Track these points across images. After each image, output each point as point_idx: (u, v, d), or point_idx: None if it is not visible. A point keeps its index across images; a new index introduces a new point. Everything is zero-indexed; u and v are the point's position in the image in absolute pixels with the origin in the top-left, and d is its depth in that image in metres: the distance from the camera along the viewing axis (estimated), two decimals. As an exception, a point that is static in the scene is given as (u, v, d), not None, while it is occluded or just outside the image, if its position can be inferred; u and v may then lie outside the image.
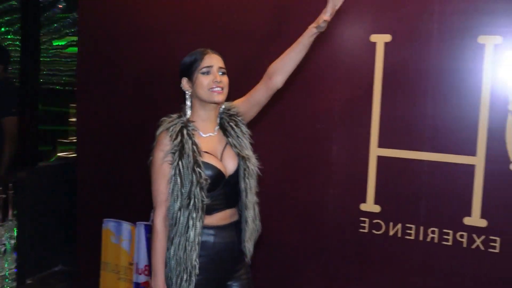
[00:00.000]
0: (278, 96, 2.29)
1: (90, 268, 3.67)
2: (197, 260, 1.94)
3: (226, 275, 2.10)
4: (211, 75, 2.01)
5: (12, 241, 3.74)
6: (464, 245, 2.71)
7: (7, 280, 3.68)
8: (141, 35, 3.51)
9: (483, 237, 2.66)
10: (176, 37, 3.37)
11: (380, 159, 2.85)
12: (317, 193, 3.03)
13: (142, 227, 3.42)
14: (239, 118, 2.15)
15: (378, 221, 2.88)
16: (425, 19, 2.74)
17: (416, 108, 2.77)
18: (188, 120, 2.05)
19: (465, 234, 2.70)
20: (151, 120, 3.47)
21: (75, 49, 6.41)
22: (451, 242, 2.74)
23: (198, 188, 1.93)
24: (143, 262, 3.41)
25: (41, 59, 5.30)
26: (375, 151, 2.86)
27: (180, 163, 1.94)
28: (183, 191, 1.94)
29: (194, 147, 1.96)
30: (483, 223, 2.66)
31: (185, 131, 1.98)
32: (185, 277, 1.93)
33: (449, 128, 2.72)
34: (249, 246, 2.14)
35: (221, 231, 2.04)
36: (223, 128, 2.13)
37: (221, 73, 2.03)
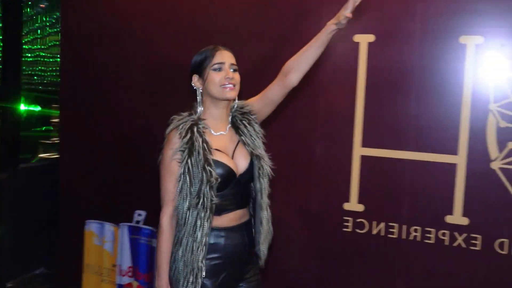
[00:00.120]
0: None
1: (73, 270, 3.63)
2: (203, 261, 1.88)
3: (235, 277, 2.02)
4: (223, 72, 1.96)
5: (-7, 244, 3.68)
6: (446, 243, 2.74)
7: (-13, 283, 3.62)
8: (126, 35, 3.48)
9: (464, 235, 2.70)
10: (162, 37, 3.36)
11: (364, 158, 2.88)
12: (301, 193, 3.04)
13: (125, 228, 3.39)
14: (252, 117, 2.08)
15: (362, 220, 2.90)
16: (408, 19, 2.77)
17: (398, 107, 2.80)
18: (199, 118, 1.99)
19: (447, 232, 2.74)
20: (135, 120, 3.53)
21: (57, 49, 6.31)
22: (434, 241, 2.77)
23: (207, 187, 1.87)
24: (126, 263, 3.38)
25: (23, 59, 5.23)
26: (358, 151, 2.89)
27: (189, 161, 1.89)
28: (192, 190, 1.89)
29: (205, 145, 1.91)
30: (465, 221, 2.70)
31: (195, 129, 1.93)
32: (191, 279, 1.87)
33: (431, 127, 2.75)
34: (263, 249, 2.08)
35: (231, 233, 1.98)
36: (235, 127, 2.06)
37: (232, 70, 1.98)
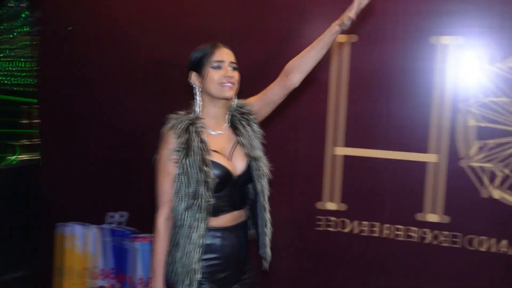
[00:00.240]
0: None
1: (51, 273, 3.57)
2: (199, 263, 1.85)
3: (234, 278, 1.99)
4: (222, 70, 1.90)
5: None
6: (418, 240, 2.81)
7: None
8: (107, 33, 3.45)
9: (437, 232, 2.78)
10: (141, 36, 3.34)
11: (339, 158, 2.93)
12: (280, 193, 3.07)
13: (101, 230, 3.36)
14: (252, 117, 2.03)
15: (340, 219, 2.96)
16: (381, 20, 2.81)
17: (371, 107, 2.85)
18: (197, 117, 1.94)
19: (419, 230, 2.81)
20: (116, 120, 3.49)
21: (32, 48, 6.22)
22: (406, 238, 2.84)
23: (204, 188, 1.83)
24: (101, 266, 3.35)
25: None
26: (333, 150, 2.94)
27: (186, 161, 1.85)
28: (188, 191, 1.85)
29: (202, 145, 1.87)
30: (437, 218, 2.77)
31: (192, 128, 1.88)
32: (187, 281, 1.84)
33: (402, 126, 2.81)
34: (268, 251, 2.03)
35: (228, 233, 1.94)
36: (233, 127, 2.02)
37: (232, 68, 1.93)
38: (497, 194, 2.67)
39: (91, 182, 3.57)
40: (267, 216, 2.00)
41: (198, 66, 1.94)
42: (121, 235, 3.33)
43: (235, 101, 2.03)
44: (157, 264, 1.91)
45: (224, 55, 1.93)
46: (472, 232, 2.72)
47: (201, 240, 1.85)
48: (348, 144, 2.92)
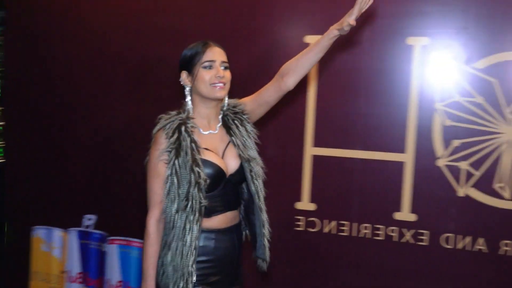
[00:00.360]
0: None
1: (20, 278, 3.52)
2: (193, 266, 1.81)
3: (228, 281, 1.97)
4: (213, 70, 1.88)
5: None
6: (395, 239, 2.82)
7: None
8: (73, 33, 3.40)
9: (412, 231, 2.79)
10: (111, 34, 3.30)
11: (315, 158, 2.92)
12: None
13: (74, 233, 3.32)
14: (245, 117, 2.01)
15: (313, 219, 2.95)
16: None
17: (348, 107, 2.87)
18: (187, 117, 1.91)
19: (396, 228, 2.82)
20: (83, 123, 3.44)
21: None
22: (383, 237, 2.85)
23: (196, 189, 1.80)
24: (76, 269, 3.31)
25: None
26: (309, 151, 2.93)
27: (176, 162, 1.82)
28: (180, 192, 1.82)
29: (193, 144, 1.83)
30: (412, 217, 2.79)
31: (182, 128, 1.85)
32: (181, 284, 1.80)
33: (379, 126, 2.82)
34: (268, 253, 2.01)
35: (221, 235, 1.91)
36: (226, 126, 1.99)
37: (223, 68, 1.90)
38: (472, 192, 2.69)
39: (57, 185, 3.51)
40: (265, 216, 1.98)
41: (189, 65, 1.91)
42: (90, 238, 3.30)
43: (226, 101, 2.00)
44: (148, 267, 1.87)
45: (216, 54, 1.90)
46: (448, 230, 2.74)
47: (195, 243, 1.81)
48: (326, 144, 2.92)
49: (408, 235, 2.80)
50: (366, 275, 2.89)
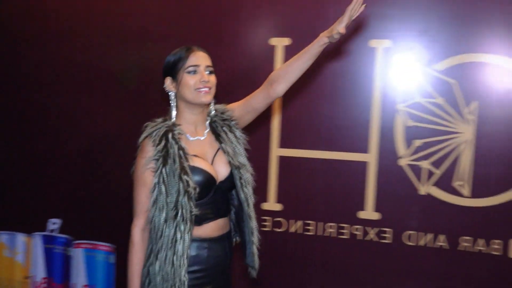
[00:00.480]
0: None
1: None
2: (186, 275, 1.78)
3: None
4: (198, 75, 1.85)
5: None
6: (360, 237, 2.89)
7: None
8: (44, 36, 3.36)
9: (376, 229, 2.86)
10: (79, 38, 3.28)
11: (281, 159, 2.96)
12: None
13: (38, 238, 3.28)
14: (233, 123, 1.99)
15: (280, 219, 2.98)
16: (321, 24, 2.86)
17: (313, 109, 2.91)
18: (174, 124, 1.87)
19: (360, 227, 2.88)
20: (49, 126, 3.38)
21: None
22: (348, 236, 2.90)
23: (185, 198, 1.76)
24: (40, 274, 3.28)
25: None
26: (275, 152, 2.96)
27: (163, 170, 1.78)
28: (168, 201, 1.78)
29: (180, 151, 1.80)
30: (376, 216, 2.85)
31: (169, 135, 1.81)
32: None
33: (343, 127, 2.88)
34: (257, 260, 2.00)
35: (214, 244, 1.89)
36: (215, 133, 1.96)
37: (208, 72, 1.87)
38: (433, 191, 2.77)
39: (20, 188, 3.46)
40: (254, 224, 1.96)
41: (173, 71, 1.88)
42: (55, 243, 3.27)
43: (213, 106, 1.97)
44: (133, 275, 1.84)
45: (200, 59, 1.87)
46: (410, 228, 2.82)
47: (187, 252, 1.78)
48: (292, 146, 2.95)
49: (372, 233, 2.86)
50: (332, 273, 2.95)
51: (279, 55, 2.92)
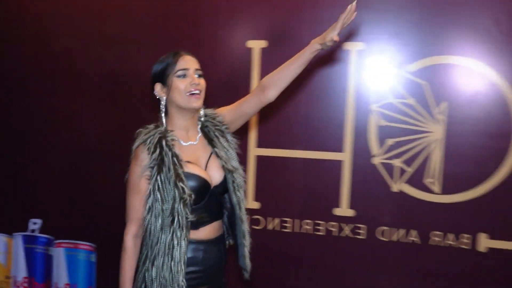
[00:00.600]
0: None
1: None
2: (184, 280, 1.78)
3: None
4: (188, 78, 1.85)
5: None
6: (335, 233, 2.95)
7: None
8: (16, 37, 3.36)
9: (351, 225, 2.93)
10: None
11: (258, 158, 3.01)
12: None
13: (19, 238, 3.27)
14: (224, 127, 1.99)
15: (258, 216, 3.04)
16: (296, 26, 2.93)
17: (290, 109, 2.96)
18: (166, 130, 1.86)
19: (335, 224, 2.95)
20: (30, 128, 3.38)
21: None
22: (324, 232, 2.97)
23: (181, 205, 1.76)
24: (21, 274, 3.27)
25: None
26: (253, 151, 3.01)
27: (159, 177, 1.77)
28: (164, 208, 1.78)
29: (175, 159, 1.79)
30: (351, 213, 2.92)
31: (163, 142, 1.80)
32: None
33: (319, 127, 2.94)
34: (248, 262, 2.02)
35: (209, 246, 1.89)
36: (208, 138, 1.96)
37: (197, 75, 1.87)
38: (405, 188, 2.85)
39: (1, 190, 3.45)
40: (245, 227, 1.97)
41: (163, 77, 1.87)
42: (36, 243, 3.27)
43: (203, 111, 1.97)
44: (125, 281, 1.84)
45: (188, 62, 1.87)
46: (383, 224, 2.89)
47: (184, 257, 1.79)
48: (269, 145, 3.00)
49: (347, 230, 2.94)
50: (308, 269, 3.00)
51: (256, 57, 2.97)
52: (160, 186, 1.78)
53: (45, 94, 3.34)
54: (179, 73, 1.85)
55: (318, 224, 2.98)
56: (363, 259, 2.93)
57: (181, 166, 1.80)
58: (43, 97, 3.34)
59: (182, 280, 1.78)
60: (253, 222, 3.03)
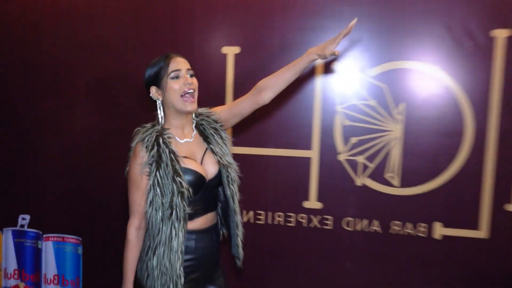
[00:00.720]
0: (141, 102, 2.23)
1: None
2: (181, 269, 1.84)
3: (206, 278, 2.01)
4: (181, 79, 1.89)
5: None
6: (305, 224, 3.05)
7: None
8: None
9: (319, 217, 3.03)
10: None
11: (233, 156, 3.07)
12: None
13: (9, 232, 3.30)
14: (218, 125, 2.04)
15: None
16: (268, 33, 2.99)
17: (261, 110, 2.97)
18: (163, 128, 1.91)
19: (305, 215, 3.05)
20: (19, 125, 3.37)
21: None
22: (294, 224, 3.06)
23: (179, 198, 1.81)
24: (12, 266, 3.30)
25: None
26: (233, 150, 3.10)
27: (157, 173, 1.82)
28: (164, 201, 1.83)
29: (172, 155, 1.84)
30: (319, 205, 3.03)
31: (160, 140, 1.85)
32: (171, 286, 1.84)
33: (289, 127, 3.00)
34: (241, 251, 2.07)
35: (201, 235, 1.94)
36: (203, 135, 2.01)
37: (190, 75, 1.91)
38: (368, 182, 2.95)
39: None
40: (238, 218, 2.03)
41: (156, 80, 1.91)
42: (25, 237, 3.29)
43: (197, 110, 2.02)
44: (127, 271, 1.91)
45: (180, 63, 1.91)
46: (348, 215, 3.00)
47: (181, 248, 1.84)
48: (243, 144, 3.06)
49: (315, 221, 3.03)
50: (280, 258, 3.08)
51: (230, 62, 3.02)
52: (160, 181, 1.83)
53: (32, 95, 3.33)
54: (172, 74, 1.89)
55: (289, 216, 3.05)
56: (330, 247, 3.03)
57: (178, 162, 1.85)
58: (29, 97, 3.34)
59: (180, 269, 1.84)
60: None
